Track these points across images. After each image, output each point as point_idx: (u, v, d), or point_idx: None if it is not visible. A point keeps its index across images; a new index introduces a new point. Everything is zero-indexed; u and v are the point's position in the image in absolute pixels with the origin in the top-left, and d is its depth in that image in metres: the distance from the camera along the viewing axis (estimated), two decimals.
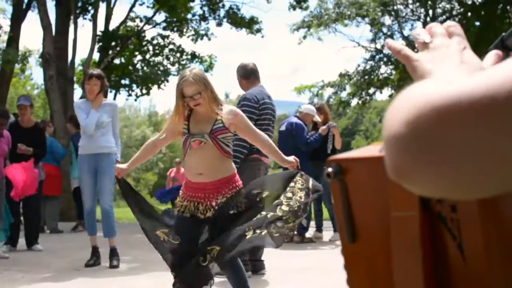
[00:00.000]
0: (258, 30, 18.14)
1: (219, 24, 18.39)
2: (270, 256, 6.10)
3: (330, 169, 0.85)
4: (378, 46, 20.84)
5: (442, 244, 0.79)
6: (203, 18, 18.54)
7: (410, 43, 19.75)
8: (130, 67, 18.57)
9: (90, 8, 17.67)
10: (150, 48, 19.08)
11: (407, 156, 0.59)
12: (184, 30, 18.72)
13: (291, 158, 4.04)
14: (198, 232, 3.83)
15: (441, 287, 0.79)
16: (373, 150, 0.85)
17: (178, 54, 19.04)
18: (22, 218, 8.36)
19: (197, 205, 3.84)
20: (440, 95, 0.58)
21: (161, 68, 18.88)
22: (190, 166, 3.87)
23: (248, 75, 6.01)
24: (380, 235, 0.84)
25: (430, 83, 0.63)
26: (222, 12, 18.39)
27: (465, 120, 0.56)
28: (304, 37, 20.51)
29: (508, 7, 18.16)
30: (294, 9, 18.22)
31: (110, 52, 17.87)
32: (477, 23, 18.44)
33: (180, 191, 4.00)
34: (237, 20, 18.10)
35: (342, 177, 0.85)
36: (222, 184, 3.80)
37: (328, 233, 8.98)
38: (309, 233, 8.79)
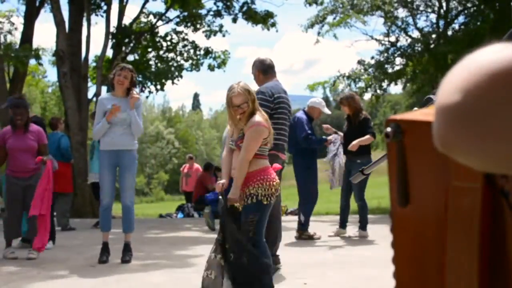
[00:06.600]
0: (273, 25, 18.02)
1: (234, 20, 18.30)
2: (285, 251, 6.07)
3: (389, 129, 0.83)
4: (392, 39, 20.65)
5: (501, 220, 0.75)
6: (218, 13, 18.49)
7: (424, 36, 19.63)
8: (144, 64, 18.59)
9: (103, 4, 17.71)
10: (164, 44, 19.08)
11: (453, 128, 0.54)
12: (198, 25, 18.70)
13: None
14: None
15: (496, 263, 0.76)
16: None
17: (191, 50, 19.04)
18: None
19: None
20: (497, 58, 0.53)
21: (175, 64, 18.89)
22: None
23: (266, 69, 6.02)
24: (433, 202, 0.82)
25: (490, 48, 0.57)
26: (237, 8, 18.31)
27: None
28: (319, 33, 20.26)
29: None
30: (310, 4, 18.04)
31: (124, 48, 17.90)
32: (491, 15, 18.26)
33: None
34: (252, 15, 18.00)
35: (401, 138, 0.82)
36: (250, 176, 4.39)
37: (349, 228, 8.83)
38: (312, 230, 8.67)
